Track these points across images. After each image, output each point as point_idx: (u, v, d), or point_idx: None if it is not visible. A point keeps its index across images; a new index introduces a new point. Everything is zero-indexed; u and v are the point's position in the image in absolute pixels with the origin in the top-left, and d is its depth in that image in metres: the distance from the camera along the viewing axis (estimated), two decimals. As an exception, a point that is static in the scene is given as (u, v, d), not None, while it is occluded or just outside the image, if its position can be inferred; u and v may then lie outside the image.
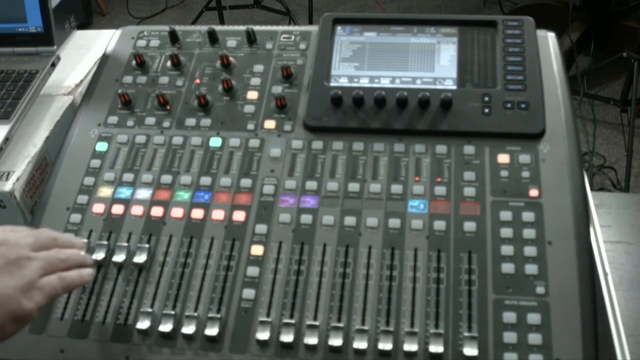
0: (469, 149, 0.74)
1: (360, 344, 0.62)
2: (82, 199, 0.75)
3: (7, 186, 0.81)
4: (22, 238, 0.59)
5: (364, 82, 0.81)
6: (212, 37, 0.88)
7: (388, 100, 0.77)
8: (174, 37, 0.89)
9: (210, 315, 0.65)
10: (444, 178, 0.72)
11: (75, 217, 0.74)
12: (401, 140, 0.76)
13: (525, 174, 0.71)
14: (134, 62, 0.87)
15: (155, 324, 0.66)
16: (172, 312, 0.66)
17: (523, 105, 0.76)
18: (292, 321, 0.64)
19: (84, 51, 1.05)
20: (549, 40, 0.82)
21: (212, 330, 0.64)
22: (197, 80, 0.85)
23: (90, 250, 0.71)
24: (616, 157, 2.17)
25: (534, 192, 0.70)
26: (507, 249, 0.66)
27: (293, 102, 0.81)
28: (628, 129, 2.04)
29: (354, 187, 0.73)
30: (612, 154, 2.19)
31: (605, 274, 0.72)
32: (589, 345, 0.60)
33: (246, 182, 0.74)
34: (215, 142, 0.78)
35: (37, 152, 0.86)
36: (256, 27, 0.88)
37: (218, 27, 0.90)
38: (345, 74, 0.82)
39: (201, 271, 0.69)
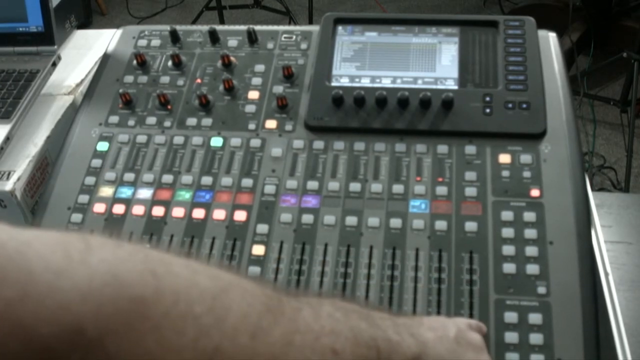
0: (470, 149, 0.74)
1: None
2: (83, 198, 0.75)
3: (8, 186, 0.81)
4: None
5: (365, 82, 0.81)
6: (213, 36, 0.88)
7: (389, 100, 0.77)
8: (175, 36, 0.89)
9: (211, 315, 0.65)
10: (445, 178, 0.72)
11: (76, 217, 0.74)
12: (402, 140, 0.76)
13: (527, 174, 0.71)
14: (134, 62, 0.87)
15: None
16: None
17: (524, 105, 0.76)
18: (294, 321, 0.64)
19: (84, 51, 1.05)
20: (550, 41, 0.83)
21: (213, 330, 0.64)
22: (198, 80, 0.85)
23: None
24: (616, 157, 2.17)
25: (535, 192, 0.70)
26: (508, 249, 0.66)
27: (294, 102, 0.81)
28: (628, 129, 2.04)
29: (355, 187, 0.73)
30: (612, 154, 2.19)
31: (606, 274, 0.72)
32: (590, 346, 0.60)
33: (247, 182, 0.74)
34: (216, 141, 0.78)
35: (37, 151, 0.86)
36: (257, 27, 0.88)
37: (219, 27, 0.89)
38: (347, 73, 0.82)
39: (202, 271, 0.69)
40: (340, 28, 0.85)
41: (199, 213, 0.73)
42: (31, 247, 0.37)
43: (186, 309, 0.40)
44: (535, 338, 0.61)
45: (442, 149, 0.74)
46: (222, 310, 0.41)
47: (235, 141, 0.78)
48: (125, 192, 0.75)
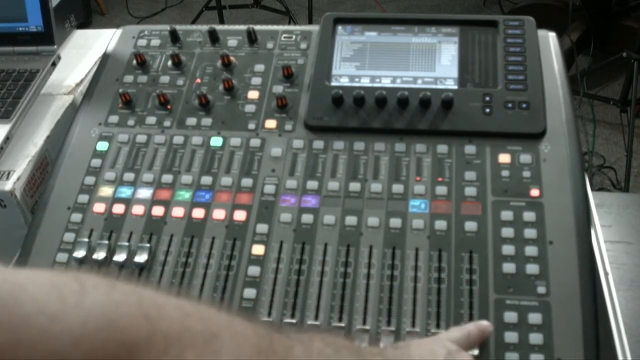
0: (470, 149, 0.74)
1: (362, 344, 0.62)
2: (83, 198, 0.75)
3: (8, 186, 0.81)
4: None
5: (365, 82, 0.81)
6: (213, 36, 0.88)
7: (389, 100, 0.77)
8: (175, 36, 0.89)
9: (211, 315, 0.65)
10: (445, 178, 0.72)
11: (76, 217, 0.74)
12: (402, 140, 0.76)
13: (527, 174, 0.71)
14: (134, 62, 0.87)
15: (156, 323, 0.66)
16: (174, 312, 0.65)
17: (524, 105, 0.76)
18: (294, 321, 0.64)
19: (84, 51, 1.05)
20: (550, 41, 0.83)
21: (213, 330, 0.64)
22: (198, 80, 0.85)
23: (91, 250, 0.71)
24: (616, 157, 2.17)
25: (535, 192, 0.70)
26: (508, 249, 0.66)
27: (294, 102, 0.81)
28: (628, 129, 2.04)
29: (355, 187, 0.73)
30: (612, 154, 2.19)
31: (606, 274, 0.72)
32: (590, 346, 0.60)
33: (247, 182, 0.74)
34: (216, 141, 0.78)
35: (37, 151, 0.86)
36: (257, 27, 0.88)
37: (219, 27, 0.89)
38: (347, 73, 0.82)
39: (202, 271, 0.69)
40: (340, 28, 0.86)
41: (199, 213, 0.73)
42: (25, 291, 0.37)
43: (177, 355, 0.40)
44: (535, 338, 0.61)
45: (442, 149, 0.74)
46: (212, 355, 0.42)
47: (235, 141, 0.78)
48: (125, 192, 0.75)
